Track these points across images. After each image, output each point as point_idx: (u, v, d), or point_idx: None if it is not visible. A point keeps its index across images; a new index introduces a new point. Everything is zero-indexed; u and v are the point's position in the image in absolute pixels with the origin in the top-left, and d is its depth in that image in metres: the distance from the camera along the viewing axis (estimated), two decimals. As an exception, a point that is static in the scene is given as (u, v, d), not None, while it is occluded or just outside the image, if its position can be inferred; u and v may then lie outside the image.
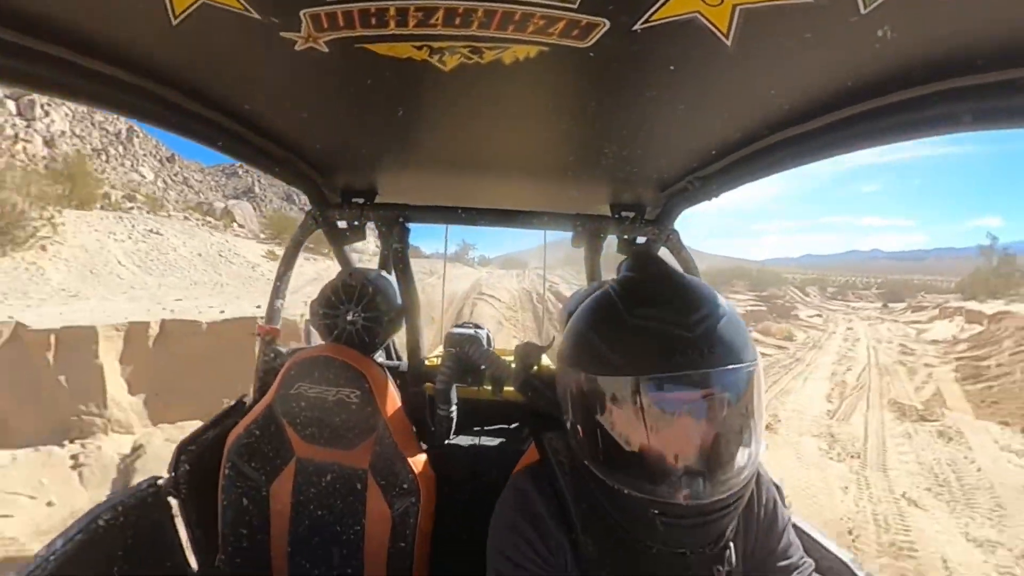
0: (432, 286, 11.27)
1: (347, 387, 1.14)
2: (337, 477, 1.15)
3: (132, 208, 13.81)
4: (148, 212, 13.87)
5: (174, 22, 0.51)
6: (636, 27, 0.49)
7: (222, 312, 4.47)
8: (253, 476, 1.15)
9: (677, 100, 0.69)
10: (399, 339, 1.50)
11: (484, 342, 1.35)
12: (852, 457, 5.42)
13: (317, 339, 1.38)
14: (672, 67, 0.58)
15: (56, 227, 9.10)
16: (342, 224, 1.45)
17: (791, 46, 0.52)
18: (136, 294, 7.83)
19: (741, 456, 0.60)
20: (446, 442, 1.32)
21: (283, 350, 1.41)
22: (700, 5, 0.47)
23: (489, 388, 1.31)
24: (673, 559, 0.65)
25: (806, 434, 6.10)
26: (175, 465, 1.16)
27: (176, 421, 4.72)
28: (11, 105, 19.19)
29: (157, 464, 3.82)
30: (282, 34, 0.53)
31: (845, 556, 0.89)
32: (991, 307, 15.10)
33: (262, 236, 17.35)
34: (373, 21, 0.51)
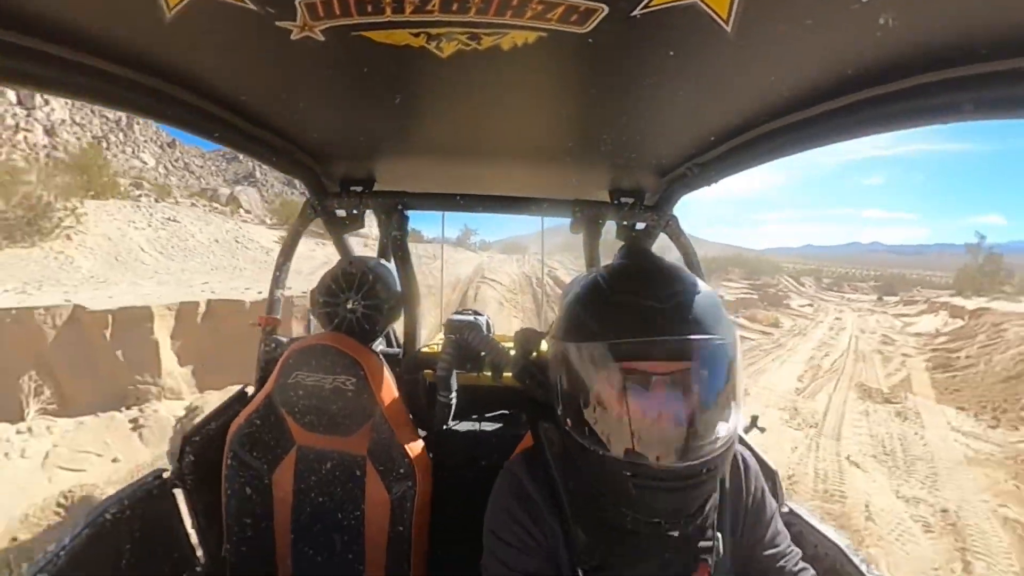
0: (438, 269, 11.79)
1: (343, 375, 1.15)
2: (337, 464, 1.16)
3: (140, 196, 14.15)
4: (156, 200, 14.19)
5: (168, 15, 0.51)
6: (635, 12, 0.49)
7: (260, 292, 5.01)
8: (255, 465, 1.16)
9: (676, 86, 0.69)
10: (400, 326, 1.51)
11: (484, 328, 1.37)
12: (809, 427, 6.05)
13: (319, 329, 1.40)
14: (671, 53, 0.58)
15: (79, 217, 9.49)
16: (341, 213, 1.44)
17: (791, 32, 0.52)
18: (163, 279, 8.36)
19: (712, 426, 0.62)
20: (446, 427, 1.34)
21: (283, 340, 1.42)
22: None
23: (489, 374, 1.33)
24: (659, 545, 0.68)
25: (771, 407, 6.69)
26: (179, 457, 1.17)
27: (221, 388, 5.30)
28: (11, 95, 19.18)
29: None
30: (278, 24, 0.53)
31: (842, 542, 0.91)
32: (975, 303, 15.60)
33: (268, 222, 17.69)
34: (369, 8, 0.50)
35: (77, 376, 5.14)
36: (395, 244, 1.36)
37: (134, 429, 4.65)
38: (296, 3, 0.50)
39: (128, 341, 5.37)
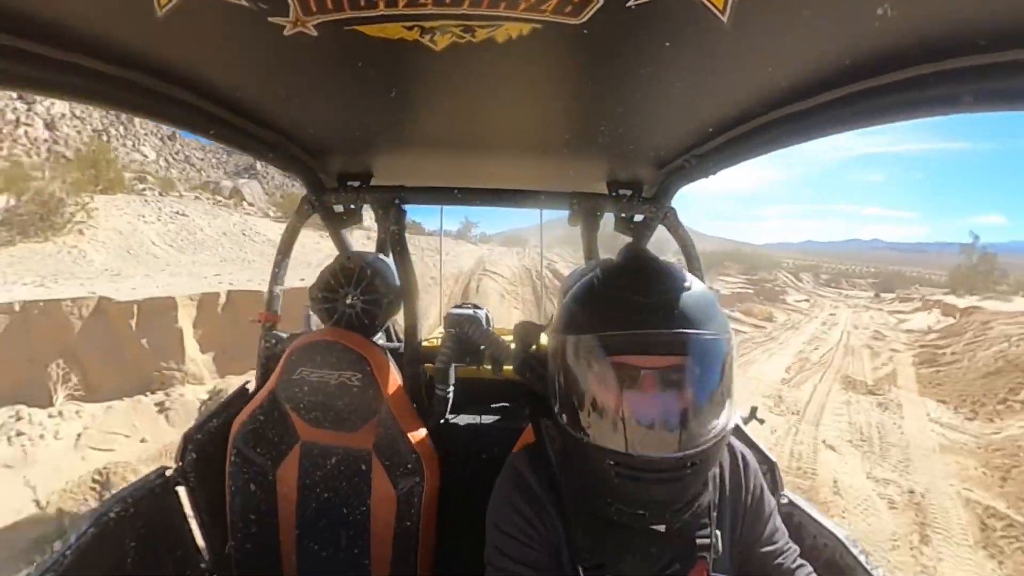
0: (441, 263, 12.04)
1: (349, 370, 1.14)
2: (342, 459, 1.16)
3: (144, 190, 14.28)
4: (160, 193, 14.34)
5: (159, 12, 0.51)
6: (630, 3, 0.49)
7: (301, 280, 5.33)
8: (259, 461, 1.16)
9: (673, 77, 0.69)
10: (399, 320, 1.51)
11: (484, 322, 1.37)
12: (791, 413, 6.40)
13: (318, 324, 1.41)
14: (667, 44, 0.57)
15: (90, 212, 9.66)
16: (338, 208, 1.44)
17: (788, 23, 0.52)
18: (175, 271, 8.60)
19: (695, 421, 0.62)
20: (448, 421, 1.34)
21: (284, 336, 1.42)
22: None
23: (489, 367, 1.34)
24: (655, 542, 0.69)
25: (756, 394, 7.00)
26: (182, 455, 1.16)
27: (241, 373, 5.63)
28: (10, 90, 19.13)
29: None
30: (270, 19, 0.52)
31: (840, 533, 0.91)
32: (967, 302, 15.95)
33: (271, 214, 17.91)
34: (362, 2, 0.50)
35: (103, 364, 5.45)
36: (393, 238, 1.34)
37: (160, 412, 4.99)
38: None
39: (153, 330, 5.69)
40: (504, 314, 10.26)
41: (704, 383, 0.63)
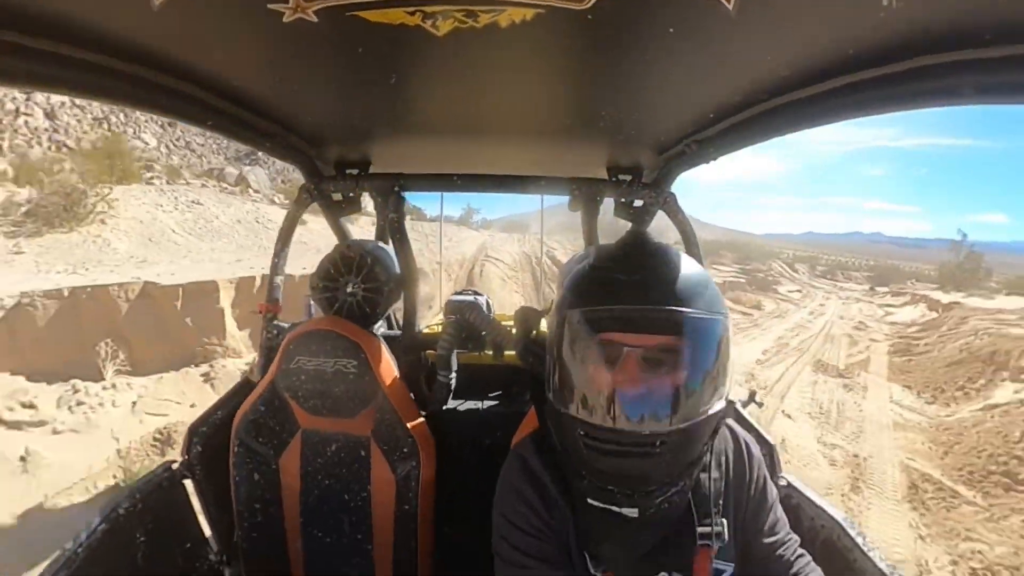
0: (445, 248, 12.63)
1: (344, 358, 1.16)
2: (342, 446, 1.18)
3: (152, 179, 14.61)
4: (168, 181, 14.71)
5: (156, 1, 0.50)
6: None
7: (303, 268, 5.91)
8: (262, 451, 1.18)
9: (676, 64, 0.69)
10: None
11: (484, 308, 1.39)
12: (759, 389, 7.04)
13: (319, 313, 1.41)
14: (671, 30, 0.57)
15: (110, 203, 10.02)
16: (337, 196, 1.44)
17: (793, 11, 0.52)
18: (197, 258, 9.14)
19: (665, 399, 0.62)
20: (450, 407, 1.36)
21: (284, 326, 1.44)
22: None
23: (490, 353, 1.36)
24: (652, 532, 0.70)
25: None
26: (187, 448, 1.18)
27: None
28: (9, 79, 19.12)
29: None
30: (269, 6, 0.52)
31: (838, 515, 0.92)
32: (950, 298, 16.48)
33: (276, 201, 18.30)
34: None
35: (149, 341, 6.08)
36: (392, 226, 1.35)
37: (205, 381, 5.68)
38: None
39: (196, 310, 6.34)
40: (506, 297, 10.91)
41: (682, 362, 0.62)
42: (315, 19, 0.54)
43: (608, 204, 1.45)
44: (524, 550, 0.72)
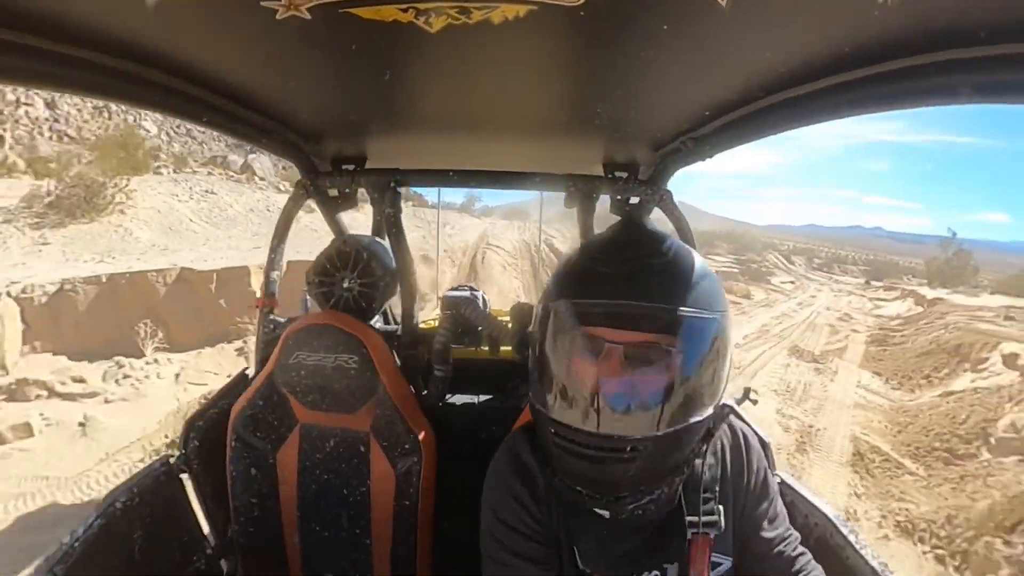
0: (448, 236, 13.08)
1: (345, 353, 1.17)
2: (340, 441, 1.19)
3: (160, 167, 14.86)
4: (175, 170, 14.91)
5: None
6: None
7: (311, 254, 6.55)
8: (259, 446, 1.19)
9: (671, 60, 0.68)
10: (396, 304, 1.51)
11: (480, 303, 1.39)
12: (732, 368, 7.69)
13: (315, 308, 1.41)
14: (665, 27, 0.57)
15: (128, 194, 10.37)
16: (333, 192, 1.45)
17: (788, 8, 0.52)
18: (216, 245, 9.68)
19: (646, 403, 0.59)
20: (446, 402, 1.36)
21: (281, 320, 1.44)
22: None
23: (486, 348, 1.36)
24: (636, 529, 0.69)
25: None
26: (184, 442, 1.19)
27: None
28: (9, 68, 19.07)
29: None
30: (262, 3, 0.52)
31: (830, 512, 0.94)
32: (935, 294, 16.67)
33: (281, 188, 18.68)
34: None
35: (185, 322, 6.74)
36: (389, 221, 1.35)
37: (239, 355, 6.38)
38: None
39: (229, 293, 7.03)
40: (506, 283, 11.48)
41: (663, 364, 0.59)
42: (308, 16, 0.54)
43: (606, 200, 1.46)
44: (512, 548, 0.70)
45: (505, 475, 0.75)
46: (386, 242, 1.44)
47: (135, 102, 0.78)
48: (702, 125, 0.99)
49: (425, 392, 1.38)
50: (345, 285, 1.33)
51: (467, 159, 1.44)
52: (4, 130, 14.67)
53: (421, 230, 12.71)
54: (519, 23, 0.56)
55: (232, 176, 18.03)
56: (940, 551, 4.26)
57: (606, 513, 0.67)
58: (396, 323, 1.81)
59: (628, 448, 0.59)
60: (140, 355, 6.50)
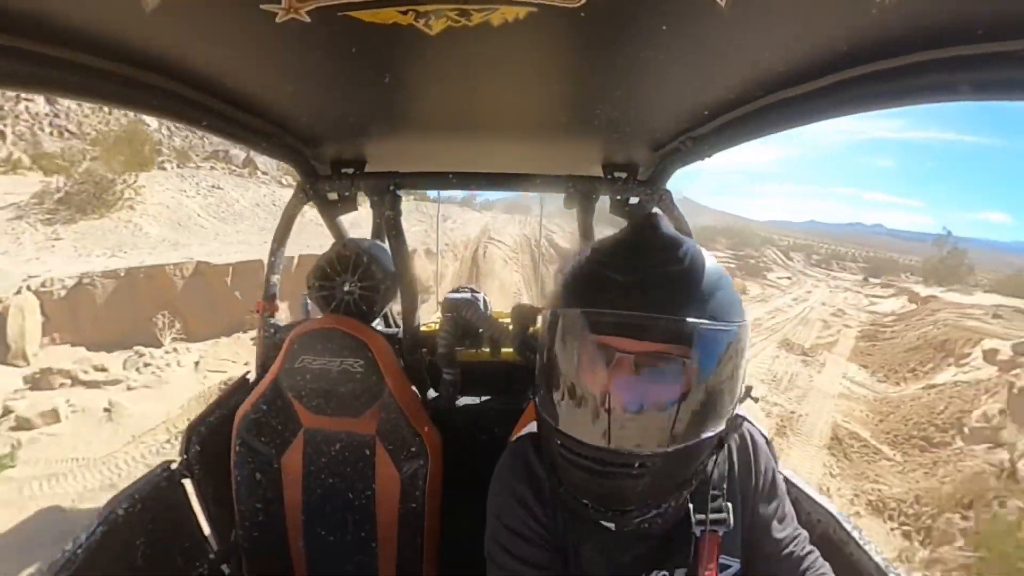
0: (450, 230, 13.28)
1: (351, 357, 1.18)
2: (345, 445, 1.20)
3: (164, 163, 14.94)
4: (179, 165, 15.02)
5: (149, 2, 0.50)
6: None
7: (321, 246, 6.81)
8: (263, 450, 1.19)
9: (670, 61, 0.68)
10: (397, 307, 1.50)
11: (481, 306, 1.40)
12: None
13: (316, 312, 1.42)
14: (664, 27, 0.57)
15: (137, 190, 10.50)
16: (332, 195, 1.45)
17: (786, 8, 0.52)
18: (225, 240, 9.95)
19: (656, 418, 0.57)
20: (445, 404, 1.37)
21: (281, 324, 1.45)
22: None
23: (487, 350, 1.37)
24: (643, 538, 0.67)
25: None
26: (186, 447, 1.18)
27: None
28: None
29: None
30: (262, 7, 0.52)
31: (833, 509, 0.94)
32: (930, 291, 16.48)
33: (283, 182, 18.84)
34: None
35: (202, 313, 7.07)
36: (389, 224, 1.35)
37: (255, 344, 6.68)
38: None
39: (244, 285, 7.32)
40: (508, 277, 11.67)
41: (675, 376, 0.56)
42: (308, 19, 0.55)
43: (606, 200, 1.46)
44: (516, 554, 0.70)
45: (510, 480, 0.74)
46: (386, 245, 1.45)
47: (134, 106, 0.80)
48: (701, 124, 0.99)
49: (436, 395, 1.41)
50: (346, 289, 1.34)
51: (467, 161, 1.45)
52: (5, 126, 14.75)
53: (423, 224, 12.93)
54: (519, 25, 0.56)
55: (235, 170, 18.20)
56: (907, 527, 4.63)
57: (612, 526, 0.66)
58: (396, 325, 1.83)
59: (637, 464, 0.58)
60: (158, 345, 6.84)
